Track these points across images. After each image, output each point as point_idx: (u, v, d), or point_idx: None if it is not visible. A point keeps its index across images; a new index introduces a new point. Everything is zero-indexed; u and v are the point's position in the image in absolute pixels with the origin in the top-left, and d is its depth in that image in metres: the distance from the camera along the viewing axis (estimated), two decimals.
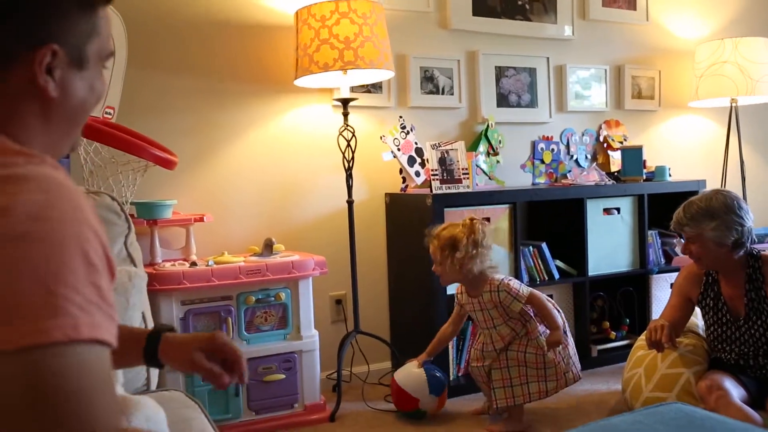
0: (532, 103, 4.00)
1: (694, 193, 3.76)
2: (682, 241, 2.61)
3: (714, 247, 2.46)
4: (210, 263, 2.79)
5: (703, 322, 2.71)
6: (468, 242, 2.69)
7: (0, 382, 0.71)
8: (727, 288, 2.56)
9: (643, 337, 2.77)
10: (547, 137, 4.02)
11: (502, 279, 2.76)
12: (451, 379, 3.25)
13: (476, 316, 2.81)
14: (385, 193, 3.55)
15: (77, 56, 0.93)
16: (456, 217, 3.18)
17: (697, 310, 2.71)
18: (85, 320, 0.74)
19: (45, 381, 0.72)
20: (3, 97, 0.87)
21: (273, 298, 2.84)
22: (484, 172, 3.65)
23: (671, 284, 2.94)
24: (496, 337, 2.77)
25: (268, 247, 2.96)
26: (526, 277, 3.42)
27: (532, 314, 2.77)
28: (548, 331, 2.73)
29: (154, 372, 2.03)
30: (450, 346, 3.23)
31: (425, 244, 2.81)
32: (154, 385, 2.05)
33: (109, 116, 2.54)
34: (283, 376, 2.85)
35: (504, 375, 2.72)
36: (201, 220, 2.88)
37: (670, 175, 3.97)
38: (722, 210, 2.44)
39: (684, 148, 4.59)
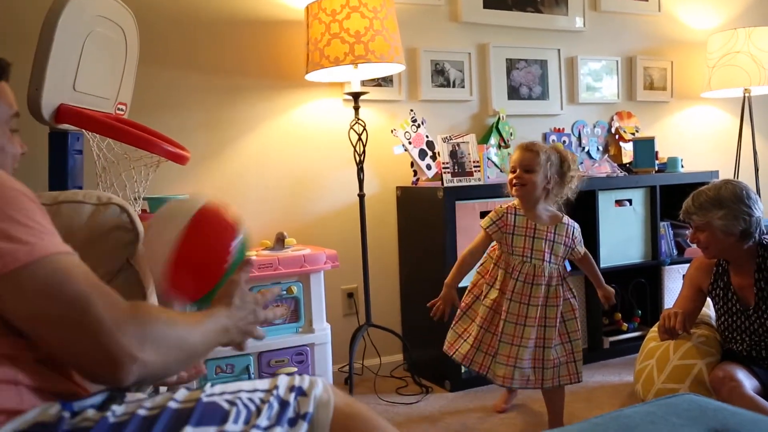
0: (544, 96, 3.99)
1: (707, 184, 3.77)
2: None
3: (722, 236, 2.46)
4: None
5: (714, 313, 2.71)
6: (571, 162, 2.63)
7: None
8: (736, 278, 2.55)
9: (655, 328, 2.76)
10: (559, 129, 4.01)
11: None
12: (463, 371, 3.25)
13: (528, 242, 2.57)
14: (397, 187, 3.55)
15: None
16: (468, 210, 3.19)
17: (709, 300, 2.70)
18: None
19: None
20: None
21: (285, 292, 2.85)
22: (495, 164, 3.64)
23: (683, 275, 2.93)
24: (538, 272, 2.55)
25: (280, 241, 2.98)
26: None
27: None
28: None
29: None
30: None
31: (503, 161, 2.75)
32: None
33: (122, 112, 2.55)
34: (296, 369, 2.86)
35: (556, 353, 2.58)
36: None
37: (682, 166, 3.96)
38: (731, 199, 2.44)
39: (697, 139, 4.57)
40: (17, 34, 2.72)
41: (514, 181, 2.58)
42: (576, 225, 2.66)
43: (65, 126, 2.19)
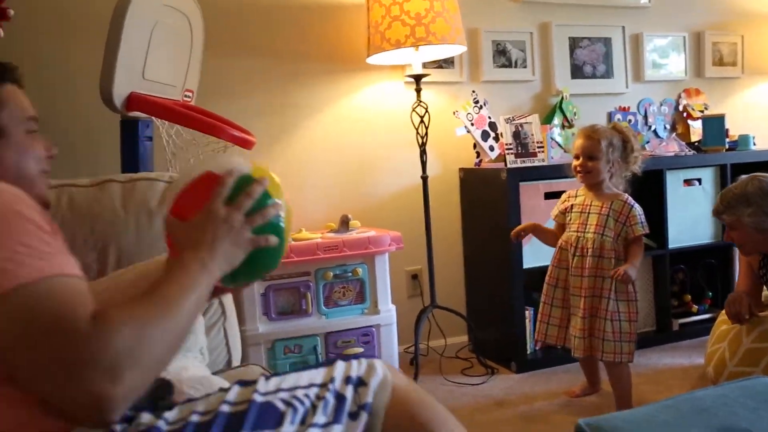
0: (608, 74, 3.91)
1: None
2: None
3: (754, 232, 2.43)
4: (288, 240, 2.84)
5: None
6: (634, 143, 2.66)
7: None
8: None
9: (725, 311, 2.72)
10: (624, 108, 3.93)
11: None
12: (528, 352, 3.24)
13: (583, 218, 2.65)
14: (459, 168, 3.54)
15: None
16: (531, 191, 3.17)
17: None
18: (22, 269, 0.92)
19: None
20: None
21: (350, 274, 2.88)
22: (559, 144, 3.60)
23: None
24: (588, 244, 2.60)
25: (345, 224, 3.01)
26: None
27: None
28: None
29: (236, 350, 2.07)
30: (527, 319, 3.22)
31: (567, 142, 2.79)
32: (236, 363, 2.12)
33: (189, 99, 2.61)
34: (362, 350, 2.90)
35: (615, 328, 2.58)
36: None
37: (754, 144, 3.84)
38: (758, 195, 2.41)
39: None
40: (88, 26, 2.80)
41: (578, 168, 2.64)
42: (636, 205, 2.63)
43: (136, 114, 2.25)
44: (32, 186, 1.19)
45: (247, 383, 1.08)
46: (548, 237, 2.80)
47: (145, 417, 0.96)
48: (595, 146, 2.58)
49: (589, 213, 2.65)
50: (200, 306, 1.08)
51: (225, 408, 1.02)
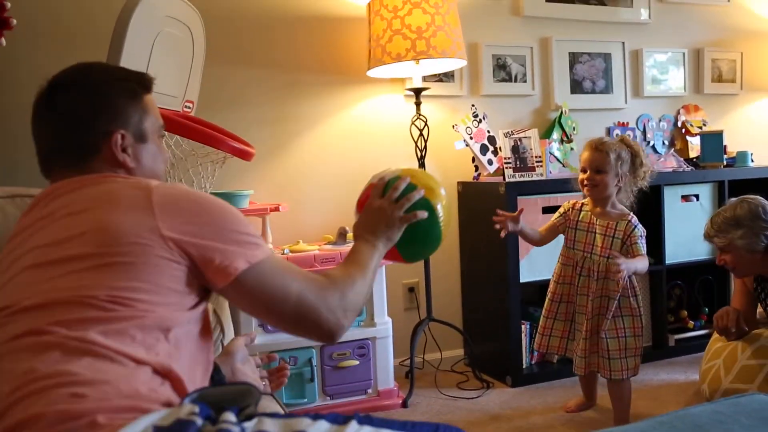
0: (607, 89, 3.93)
1: None
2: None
3: (746, 254, 2.47)
4: (285, 252, 2.85)
5: None
6: (643, 157, 2.60)
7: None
8: None
9: None
10: (623, 123, 3.95)
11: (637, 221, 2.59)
12: (524, 366, 3.24)
13: (589, 238, 2.60)
14: (458, 182, 3.55)
15: (139, 134, 1.34)
16: (529, 205, 3.17)
17: None
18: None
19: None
20: (103, 168, 1.30)
21: None
22: (557, 159, 3.61)
23: None
24: (595, 267, 2.56)
25: (342, 236, 3.01)
26: None
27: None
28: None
29: None
30: (524, 333, 3.22)
31: (565, 155, 2.76)
32: None
33: (189, 110, 2.62)
34: (357, 362, 2.89)
35: (619, 344, 2.56)
36: (277, 209, 2.94)
37: (752, 161, 3.85)
38: (748, 217, 2.46)
39: None
40: (91, 35, 2.81)
41: (585, 181, 2.58)
42: (640, 226, 2.57)
43: None
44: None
45: (338, 420, 1.08)
46: (533, 237, 2.71)
47: (230, 416, 0.98)
48: (604, 159, 2.52)
49: (595, 233, 2.59)
50: (377, 270, 1.52)
51: None
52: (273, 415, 1.05)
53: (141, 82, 1.38)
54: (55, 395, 0.95)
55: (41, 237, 1.19)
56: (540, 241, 2.73)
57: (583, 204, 2.68)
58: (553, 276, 2.74)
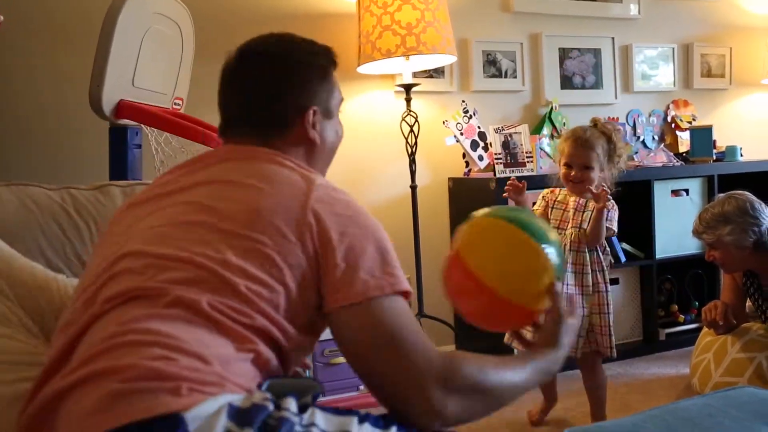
0: (597, 85, 3.94)
1: (767, 174, 3.69)
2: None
3: (735, 250, 2.49)
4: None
5: None
6: (617, 141, 2.57)
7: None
8: (766, 281, 2.54)
9: None
10: (613, 118, 3.95)
11: None
12: None
13: (565, 215, 2.58)
14: (449, 178, 3.55)
15: (327, 110, 1.37)
16: None
17: None
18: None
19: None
20: (284, 144, 1.29)
21: None
22: (548, 155, 3.61)
23: None
24: (574, 239, 2.51)
25: None
26: None
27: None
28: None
29: None
30: None
31: (555, 151, 2.73)
32: None
33: (179, 107, 2.60)
34: None
35: (604, 321, 2.52)
36: None
37: (741, 155, 3.87)
38: (735, 213, 2.47)
39: (757, 127, 4.46)
40: (85, 32, 2.80)
41: (572, 178, 2.54)
42: (611, 201, 2.50)
43: (124, 121, 2.25)
44: (332, 158, 1.48)
45: (379, 425, 1.07)
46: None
47: (291, 404, 0.98)
48: (590, 155, 2.50)
49: (565, 210, 2.59)
50: (519, 395, 1.29)
51: None
52: (324, 409, 1.04)
53: (329, 57, 1.41)
54: (148, 352, 0.95)
55: (199, 195, 1.18)
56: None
57: (561, 190, 2.65)
58: None
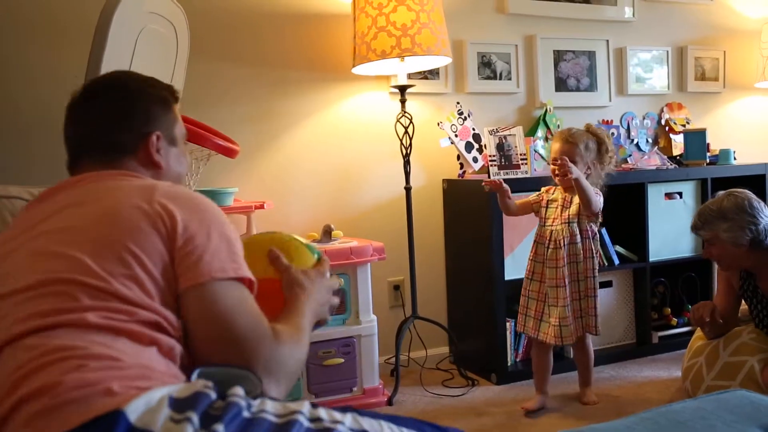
0: (592, 87, 3.94)
1: (761, 176, 3.71)
2: None
3: (731, 248, 2.49)
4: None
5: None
6: (608, 144, 2.81)
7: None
8: (764, 283, 2.54)
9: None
10: (607, 121, 3.96)
11: None
12: (509, 364, 3.25)
13: (558, 213, 2.79)
14: (443, 179, 3.55)
15: (170, 137, 1.44)
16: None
17: None
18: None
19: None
20: (133, 166, 1.37)
21: None
22: (542, 157, 3.62)
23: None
24: (561, 236, 2.73)
25: (327, 234, 3.00)
26: None
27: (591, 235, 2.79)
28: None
29: None
30: (509, 331, 3.23)
31: (548, 155, 2.93)
32: None
33: None
34: (342, 360, 2.89)
35: (581, 305, 2.78)
36: (261, 207, 2.93)
37: (735, 159, 3.88)
38: (733, 211, 2.48)
39: (750, 131, 4.47)
40: (83, 32, 2.79)
41: (557, 171, 2.71)
42: (599, 192, 2.75)
43: None
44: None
45: (335, 409, 1.11)
46: (510, 206, 2.83)
47: (239, 390, 1.04)
48: (573, 150, 2.71)
49: (558, 207, 2.79)
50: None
51: (303, 421, 1.04)
52: (274, 399, 1.09)
53: (171, 92, 1.49)
54: (65, 366, 0.99)
55: (52, 223, 1.22)
56: (514, 211, 2.86)
57: (555, 189, 2.86)
58: (530, 255, 2.87)
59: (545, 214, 2.82)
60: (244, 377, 1.14)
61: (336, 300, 1.55)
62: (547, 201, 2.83)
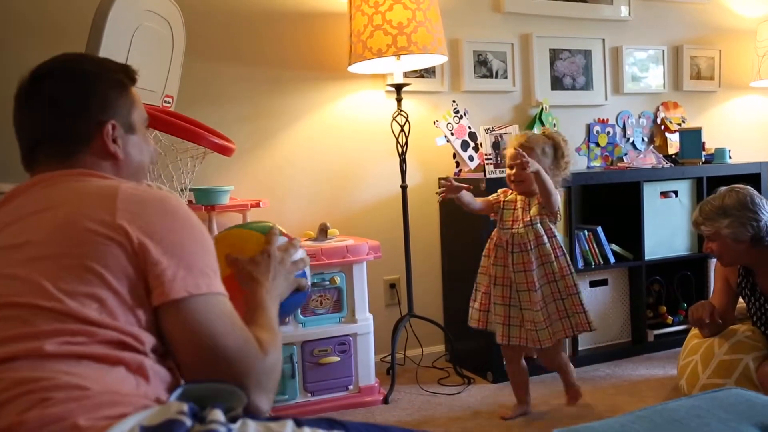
0: (587, 86, 3.94)
1: (756, 175, 3.72)
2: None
3: (732, 244, 2.49)
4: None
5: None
6: (564, 148, 2.70)
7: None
8: (761, 279, 2.54)
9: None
10: (603, 120, 3.97)
11: None
12: (504, 363, 3.25)
13: (516, 215, 2.67)
14: (439, 178, 3.54)
15: (128, 125, 1.33)
16: None
17: None
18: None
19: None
20: (90, 161, 1.28)
21: (328, 282, 2.88)
22: None
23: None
24: (525, 239, 2.61)
25: (323, 232, 3.00)
26: (581, 261, 3.39)
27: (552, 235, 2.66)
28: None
29: None
30: None
31: (505, 159, 2.80)
32: None
33: (168, 105, 2.59)
34: (338, 359, 2.89)
35: (557, 307, 2.65)
36: (257, 205, 2.92)
37: (730, 158, 3.89)
38: (735, 207, 2.47)
39: (745, 130, 4.48)
40: (81, 30, 2.78)
41: (512, 177, 2.66)
42: (556, 190, 2.62)
43: None
44: (143, 177, 1.42)
45: (321, 426, 1.08)
46: (473, 206, 2.74)
47: (218, 415, 0.98)
48: (529, 155, 2.55)
49: (515, 209, 2.68)
50: None
51: None
52: (257, 418, 1.04)
53: (128, 74, 1.37)
54: (26, 402, 0.92)
55: (4, 238, 1.15)
56: (480, 210, 2.77)
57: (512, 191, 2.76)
58: (486, 252, 2.76)
59: (503, 216, 2.70)
60: (230, 392, 1.09)
61: (299, 267, 1.51)
62: (504, 202, 2.72)
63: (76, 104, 1.27)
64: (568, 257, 2.68)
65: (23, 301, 1.04)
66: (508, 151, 2.69)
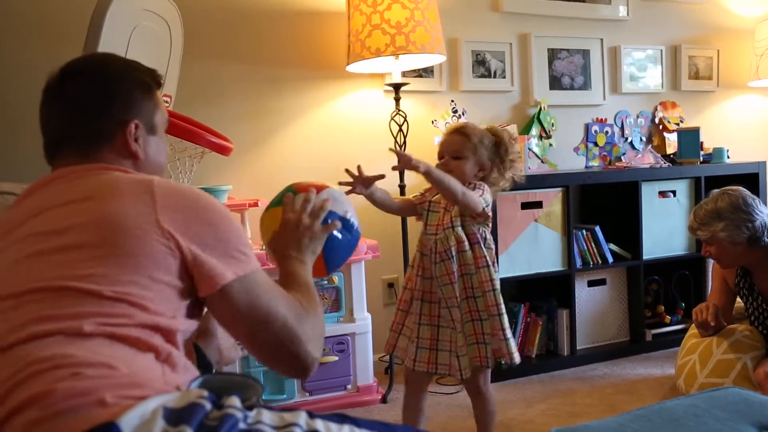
0: (586, 86, 3.95)
1: (754, 175, 3.72)
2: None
3: (729, 246, 2.50)
4: (264, 248, 2.83)
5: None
6: (509, 145, 2.27)
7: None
8: (759, 279, 2.55)
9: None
10: (601, 120, 3.97)
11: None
12: (502, 363, 3.24)
13: (438, 218, 2.23)
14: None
15: (151, 126, 1.38)
16: (508, 200, 3.17)
17: None
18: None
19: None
20: (112, 158, 1.32)
21: (326, 282, 2.88)
22: (536, 155, 3.62)
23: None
24: (453, 242, 2.15)
25: None
26: (579, 261, 3.39)
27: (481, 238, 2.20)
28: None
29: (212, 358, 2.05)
30: None
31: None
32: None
33: (167, 104, 2.59)
34: (337, 358, 2.89)
35: (475, 329, 2.17)
36: (255, 205, 2.92)
37: (728, 157, 3.89)
38: (728, 210, 2.48)
39: (743, 129, 4.48)
40: (80, 30, 2.78)
41: (440, 166, 2.21)
42: (485, 187, 2.19)
43: None
44: (162, 176, 1.42)
45: (333, 420, 1.09)
46: (389, 205, 2.32)
47: (235, 401, 1.01)
48: (463, 143, 2.20)
49: (441, 210, 2.24)
50: None
51: None
52: (272, 408, 1.06)
53: (154, 77, 1.42)
54: (57, 375, 0.96)
55: (39, 224, 1.18)
56: (396, 210, 2.38)
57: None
58: (413, 264, 2.30)
59: (428, 219, 2.26)
60: (245, 384, 1.12)
61: (318, 216, 1.57)
62: (430, 203, 2.28)
63: (99, 105, 1.32)
64: (493, 269, 2.18)
65: (64, 284, 1.07)
66: (444, 137, 2.31)
